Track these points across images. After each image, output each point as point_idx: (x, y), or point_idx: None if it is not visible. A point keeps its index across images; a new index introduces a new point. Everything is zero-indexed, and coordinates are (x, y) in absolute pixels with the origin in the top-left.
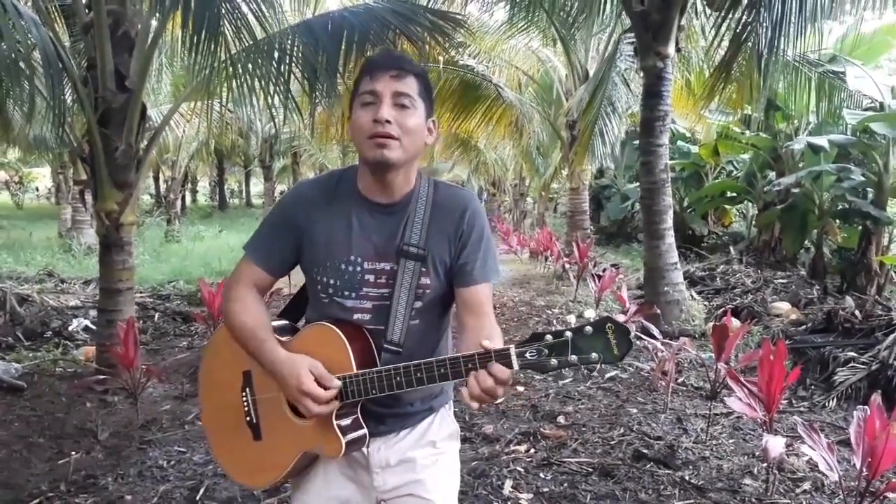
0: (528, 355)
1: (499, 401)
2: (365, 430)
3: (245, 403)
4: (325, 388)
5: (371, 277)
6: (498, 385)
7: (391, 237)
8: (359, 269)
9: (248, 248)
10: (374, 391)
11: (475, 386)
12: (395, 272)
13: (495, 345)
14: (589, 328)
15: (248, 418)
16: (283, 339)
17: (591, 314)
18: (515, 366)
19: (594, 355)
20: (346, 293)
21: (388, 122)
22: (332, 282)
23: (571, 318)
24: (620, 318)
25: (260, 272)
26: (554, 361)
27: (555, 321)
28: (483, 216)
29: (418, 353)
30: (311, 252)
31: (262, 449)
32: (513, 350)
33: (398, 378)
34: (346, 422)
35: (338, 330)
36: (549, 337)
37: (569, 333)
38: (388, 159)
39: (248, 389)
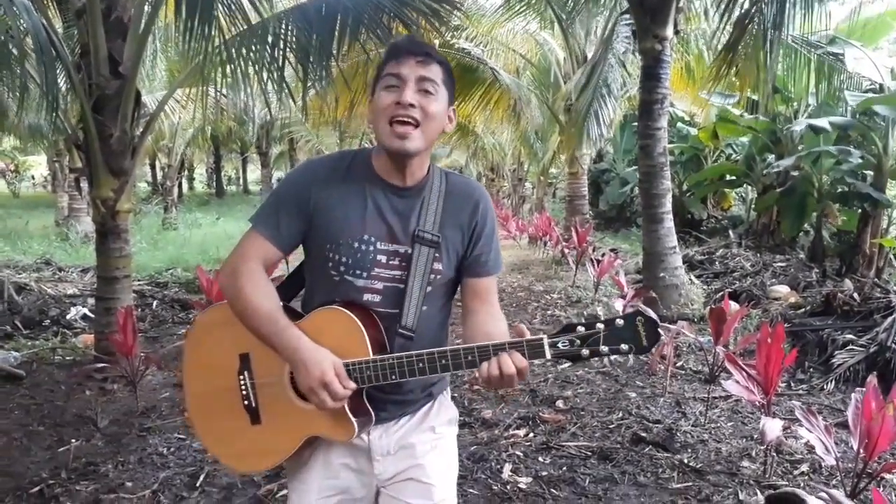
0: (560, 345)
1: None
2: (371, 413)
3: (243, 387)
4: (344, 387)
5: (383, 258)
6: (518, 373)
7: (405, 220)
8: (371, 248)
9: (255, 222)
10: (393, 377)
11: (495, 369)
12: (408, 256)
13: (527, 331)
14: (620, 320)
15: (245, 402)
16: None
17: (619, 306)
18: (548, 355)
19: (624, 346)
20: (358, 272)
21: (411, 105)
22: (343, 259)
23: (619, 305)
24: (619, 303)
25: (269, 247)
26: (586, 351)
27: (553, 307)
28: (493, 208)
29: (427, 338)
30: (324, 228)
31: (261, 433)
32: (545, 340)
33: (420, 364)
34: (353, 405)
35: (352, 314)
36: (581, 328)
37: (600, 325)
38: (408, 150)
39: (246, 373)
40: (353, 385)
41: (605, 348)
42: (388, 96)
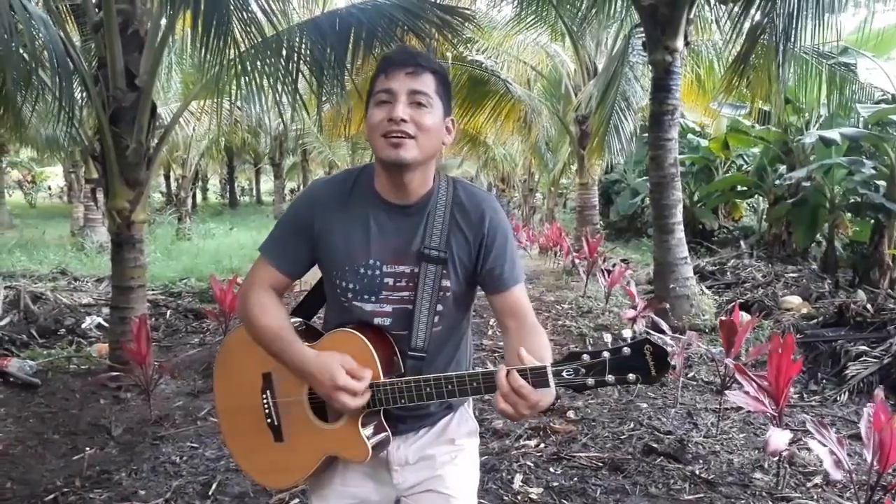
0: (564, 374)
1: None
2: (388, 433)
3: (266, 405)
4: (359, 380)
5: (390, 281)
6: (525, 403)
7: (410, 239)
8: (377, 272)
9: (263, 250)
10: (402, 400)
11: (501, 400)
12: (415, 275)
13: (532, 358)
14: (627, 349)
15: (268, 420)
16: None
17: (628, 333)
18: (552, 384)
19: (631, 376)
20: (366, 297)
21: (403, 120)
22: (351, 286)
23: (627, 333)
24: (630, 313)
25: (276, 274)
26: (591, 381)
27: (564, 317)
28: (504, 218)
29: (441, 358)
30: (329, 256)
31: (284, 451)
32: (549, 368)
33: (428, 389)
34: (370, 426)
35: (363, 337)
36: (586, 357)
37: (606, 354)
38: (403, 159)
39: (268, 392)
40: (368, 373)
41: (610, 378)
42: (379, 112)
